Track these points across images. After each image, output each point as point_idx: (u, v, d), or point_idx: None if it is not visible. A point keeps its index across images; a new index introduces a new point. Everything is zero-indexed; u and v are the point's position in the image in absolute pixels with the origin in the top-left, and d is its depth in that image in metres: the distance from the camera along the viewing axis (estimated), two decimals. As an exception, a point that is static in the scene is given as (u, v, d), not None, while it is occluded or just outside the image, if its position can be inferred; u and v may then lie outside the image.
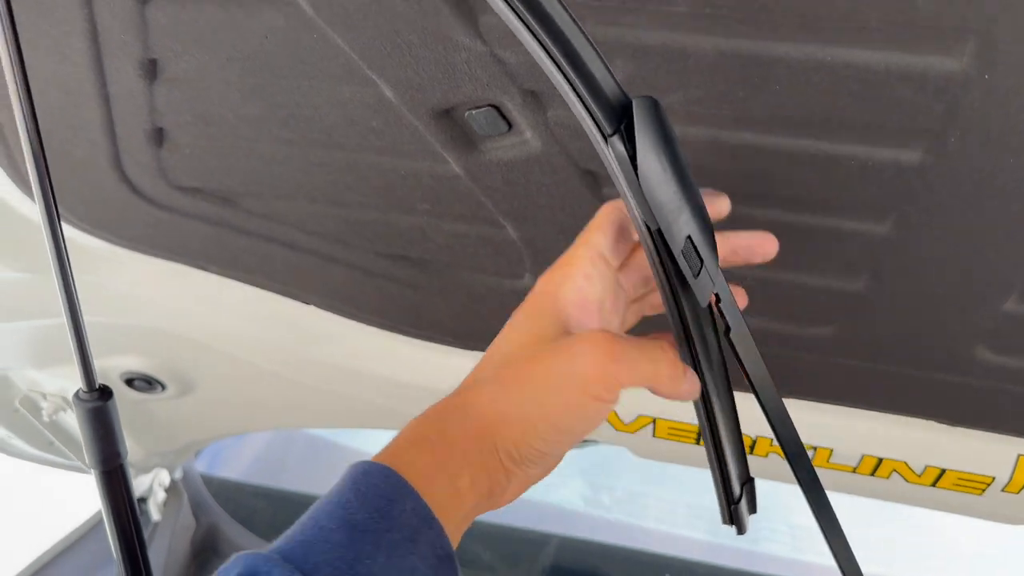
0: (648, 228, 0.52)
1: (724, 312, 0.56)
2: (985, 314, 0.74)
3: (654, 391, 0.54)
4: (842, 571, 0.75)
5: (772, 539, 1.76)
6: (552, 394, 0.51)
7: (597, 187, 0.73)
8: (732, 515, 0.59)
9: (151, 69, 0.72)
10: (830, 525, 0.71)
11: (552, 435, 0.52)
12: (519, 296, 0.58)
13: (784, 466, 0.83)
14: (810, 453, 0.98)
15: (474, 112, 0.68)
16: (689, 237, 0.51)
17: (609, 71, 0.47)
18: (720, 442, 0.58)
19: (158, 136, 0.79)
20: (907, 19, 0.51)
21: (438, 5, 0.59)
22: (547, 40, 0.46)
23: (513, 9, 0.45)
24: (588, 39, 0.47)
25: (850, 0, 0.51)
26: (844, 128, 0.60)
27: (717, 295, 0.55)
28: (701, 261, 0.52)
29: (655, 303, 0.62)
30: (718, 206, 0.56)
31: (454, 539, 0.50)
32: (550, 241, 0.80)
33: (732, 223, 0.71)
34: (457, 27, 0.60)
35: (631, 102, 0.47)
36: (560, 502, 1.89)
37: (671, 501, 1.94)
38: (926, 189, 0.63)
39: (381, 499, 0.47)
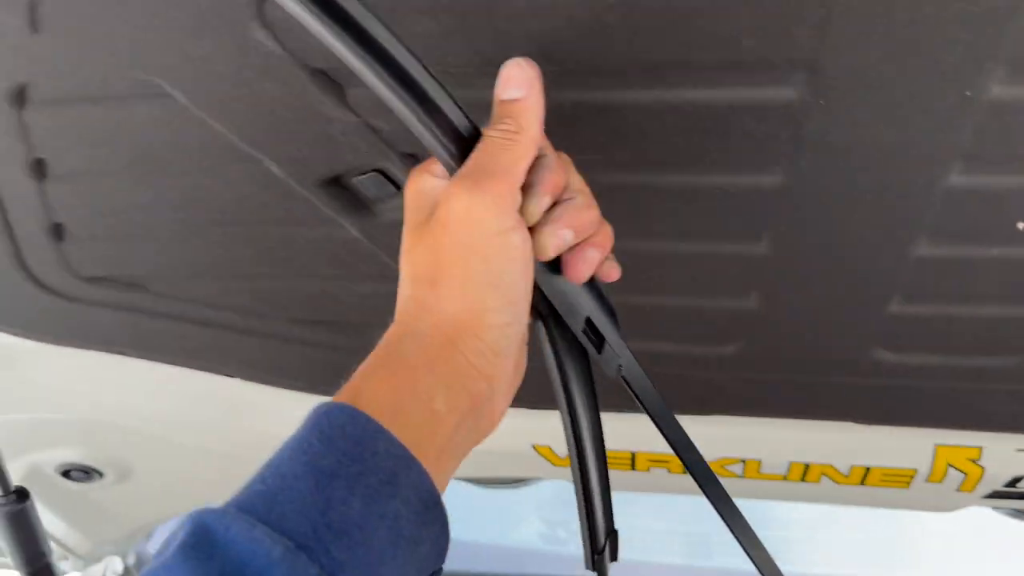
0: (539, 313, 0.56)
1: (628, 380, 0.60)
2: (874, 318, 0.77)
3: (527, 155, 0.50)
4: (757, 568, 0.78)
5: (726, 552, 1.78)
6: (464, 262, 0.48)
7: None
8: (595, 563, 0.64)
9: (39, 168, 0.73)
10: (745, 535, 0.74)
11: (500, 298, 0.49)
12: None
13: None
14: (739, 467, 1.01)
15: (361, 178, 0.70)
16: (588, 319, 0.55)
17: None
18: (592, 498, 0.62)
19: (57, 231, 0.80)
20: (738, 58, 0.55)
21: (305, 83, 0.61)
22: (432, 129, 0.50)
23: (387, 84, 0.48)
24: (465, 113, 0.50)
25: (683, 46, 0.54)
26: (703, 161, 0.63)
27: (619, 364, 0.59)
28: (602, 339, 0.57)
29: None
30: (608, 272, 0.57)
31: (441, 475, 0.46)
32: (456, 292, 0.82)
33: (618, 254, 0.74)
34: (326, 102, 0.62)
35: None
36: (518, 543, 1.90)
37: (625, 528, 1.94)
38: (792, 208, 0.66)
39: (349, 441, 0.42)
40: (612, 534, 0.65)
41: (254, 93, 0.63)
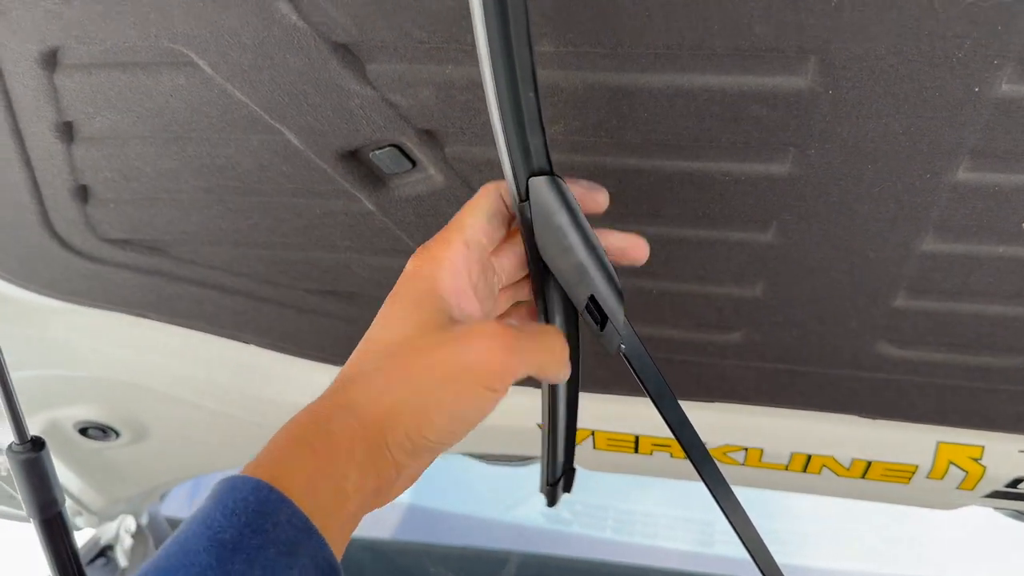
0: (534, 282, 0.58)
1: (629, 359, 0.62)
2: (879, 311, 0.78)
3: (538, 376, 0.55)
4: (755, 561, 0.80)
5: (725, 541, 1.80)
6: (445, 386, 0.50)
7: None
8: (548, 492, 0.72)
9: (67, 131, 0.75)
10: (738, 518, 0.75)
11: (447, 426, 0.50)
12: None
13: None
14: (741, 455, 1.02)
15: (378, 152, 0.72)
16: (591, 296, 0.57)
17: (545, 147, 0.52)
18: (557, 435, 0.68)
19: (82, 193, 0.82)
20: (750, 45, 0.55)
21: (326, 56, 0.63)
22: (495, 107, 0.50)
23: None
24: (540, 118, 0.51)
25: (697, 31, 0.55)
26: (713, 147, 0.64)
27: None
28: (605, 317, 0.58)
29: (528, 290, 0.62)
30: (597, 200, 0.58)
31: (338, 545, 0.48)
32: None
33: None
34: (346, 76, 0.64)
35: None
36: (520, 520, 1.93)
37: (629, 512, 1.98)
38: (799, 198, 0.67)
39: (252, 513, 0.43)
40: (569, 471, 0.71)
41: (276, 65, 0.64)
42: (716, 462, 0.71)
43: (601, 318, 0.58)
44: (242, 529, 0.43)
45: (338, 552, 0.47)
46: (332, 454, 0.48)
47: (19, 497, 1.44)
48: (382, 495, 0.51)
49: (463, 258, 0.54)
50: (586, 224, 0.54)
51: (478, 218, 0.55)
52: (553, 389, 0.66)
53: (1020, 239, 0.67)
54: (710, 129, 0.62)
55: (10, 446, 0.71)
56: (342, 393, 0.51)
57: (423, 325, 0.52)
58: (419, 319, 0.52)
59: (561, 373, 0.56)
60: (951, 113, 0.57)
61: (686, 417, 0.68)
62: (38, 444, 0.71)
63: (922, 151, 0.60)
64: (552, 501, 0.76)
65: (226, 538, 0.42)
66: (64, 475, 1.34)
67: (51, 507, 0.73)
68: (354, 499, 0.48)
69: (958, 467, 0.97)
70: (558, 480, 0.73)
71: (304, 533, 0.44)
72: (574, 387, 0.67)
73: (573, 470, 0.75)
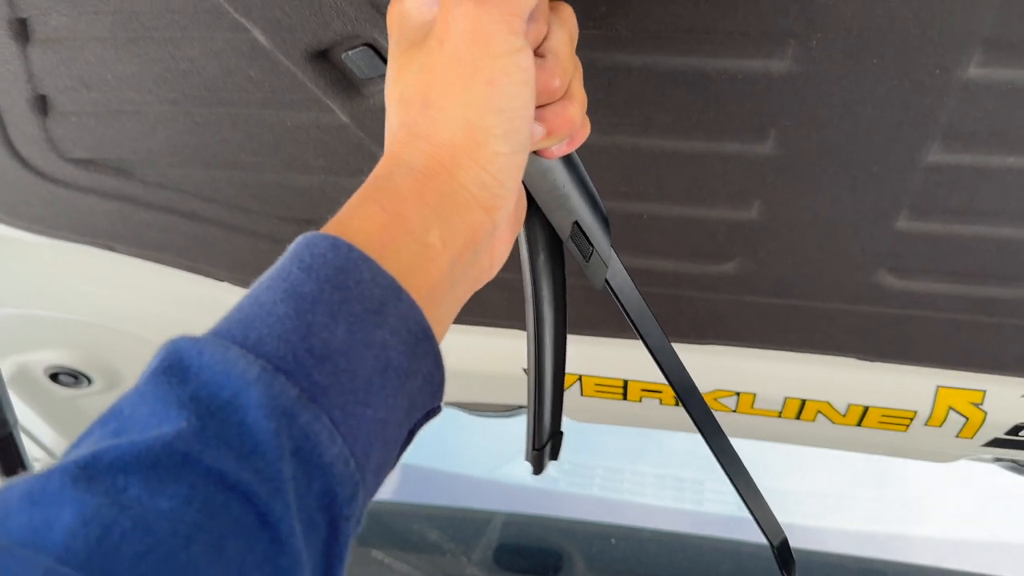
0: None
1: (614, 289, 0.58)
2: (880, 235, 0.74)
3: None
4: (749, 509, 0.76)
5: (717, 500, 1.77)
6: (464, 83, 0.44)
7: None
8: (534, 458, 0.67)
9: (22, 30, 0.70)
10: (731, 464, 0.71)
11: (502, 123, 0.44)
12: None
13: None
14: (733, 400, 0.98)
15: (350, 53, 0.67)
16: (576, 223, 0.53)
17: None
18: (543, 397, 0.63)
19: (42, 104, 0.78)
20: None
21: (293, -64, 0.59)
22: None
23: None
24: None
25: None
26: (709, 40, 0.59)
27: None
28: (592, 246, 0.54)
29: None
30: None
31: (436, 314, 0.43)
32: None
33: (614, 153, 0.71)
34: (315, -42, 0.60)
35: None
36: (506, 479, 1.89)
37: (617, 469, 1.94)
38: (799, 100, 0.63)
39: (331, 269, 0.39)
40: (556, 435, 0.66)
41: (240, -53, 0.60)
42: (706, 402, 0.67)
43: (587, 249, 0.55)
44: (322, 285, 0.38)
45: (436, 327, 0.42)
46: (403, 207, 0.43)
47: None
48: (480, 253, 0.46)
49: None
50: None
51: None
52: (539, 333, 0.61)
53: (1033, 149, 0.63)
54: (706, 15, 0.58)
55: (-44, 361, 0.67)
56: (389, 156, 0.46)
57: (415, 47, 0.46)
58: (405, 47, 0.47)
59: None
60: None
61: (675, 352, 0.64)
62: (-14, 358, 0.67)
63: (931, 40, 0.56)
64: (539, 468, 0.71)
65: (305, 291, 0.38)
66: (37, 426, 1.30)
67: (2, 427, 0.69)
68: (443, 255, 0.43)
69: (958, 413, 0.94)
70: (544, 445, 0.69)
71: (391, 292, 0.40)
72: (561, 331, 0.63)
73: (560, 434, 0.70)
